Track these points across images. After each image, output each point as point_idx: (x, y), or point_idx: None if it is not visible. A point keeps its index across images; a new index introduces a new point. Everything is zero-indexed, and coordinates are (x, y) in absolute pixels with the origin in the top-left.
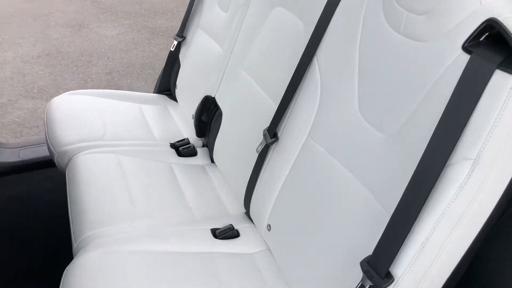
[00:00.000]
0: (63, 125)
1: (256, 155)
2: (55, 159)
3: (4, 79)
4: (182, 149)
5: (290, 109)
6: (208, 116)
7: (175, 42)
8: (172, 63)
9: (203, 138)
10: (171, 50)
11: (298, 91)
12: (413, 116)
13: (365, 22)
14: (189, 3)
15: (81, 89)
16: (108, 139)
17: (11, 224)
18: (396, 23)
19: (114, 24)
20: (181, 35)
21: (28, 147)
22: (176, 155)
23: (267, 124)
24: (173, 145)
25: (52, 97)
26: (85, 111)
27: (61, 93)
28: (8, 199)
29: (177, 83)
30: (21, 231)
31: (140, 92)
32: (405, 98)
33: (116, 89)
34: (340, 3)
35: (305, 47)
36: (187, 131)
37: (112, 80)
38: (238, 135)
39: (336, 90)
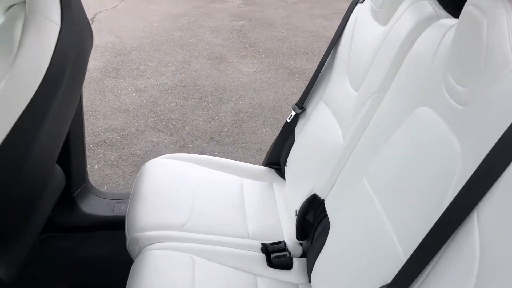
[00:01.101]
0: (145, 200)
1: None
2: (127, 245)
3: (139, 107)
4: (275, 257)
5: (425, 274)
6: (314, 218)
7: (293, 113)
8: (286, 135)
9: (304, 242)
10: (286, 121)
11: (440, 252)
12: None
13: None
14: (315, 72)
15: (207, 125)
16: (189, 229)
17: None
18: None
19: (253, 60)
20: (301, 106)
21: (124, 200)
22: (266, 263)
23: (387, 278)
24: (265, 248)
25: (177, 132)
26: (175, 184)
27: (186, 129)
28: (87, 259)
29: (288, 160)
30: None
31: (263, 136)
32: None
33: (239, 132)
34: None
35: (460, 185)
36: (288, 226)
37: (238, 122)
38: (344, 269)
39: (505, 282)
